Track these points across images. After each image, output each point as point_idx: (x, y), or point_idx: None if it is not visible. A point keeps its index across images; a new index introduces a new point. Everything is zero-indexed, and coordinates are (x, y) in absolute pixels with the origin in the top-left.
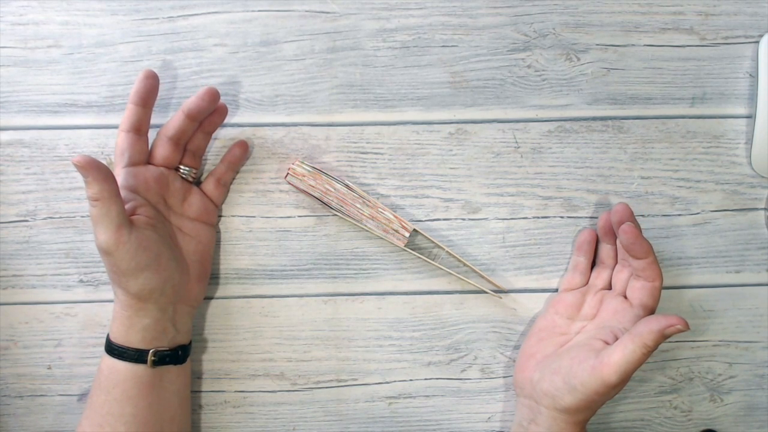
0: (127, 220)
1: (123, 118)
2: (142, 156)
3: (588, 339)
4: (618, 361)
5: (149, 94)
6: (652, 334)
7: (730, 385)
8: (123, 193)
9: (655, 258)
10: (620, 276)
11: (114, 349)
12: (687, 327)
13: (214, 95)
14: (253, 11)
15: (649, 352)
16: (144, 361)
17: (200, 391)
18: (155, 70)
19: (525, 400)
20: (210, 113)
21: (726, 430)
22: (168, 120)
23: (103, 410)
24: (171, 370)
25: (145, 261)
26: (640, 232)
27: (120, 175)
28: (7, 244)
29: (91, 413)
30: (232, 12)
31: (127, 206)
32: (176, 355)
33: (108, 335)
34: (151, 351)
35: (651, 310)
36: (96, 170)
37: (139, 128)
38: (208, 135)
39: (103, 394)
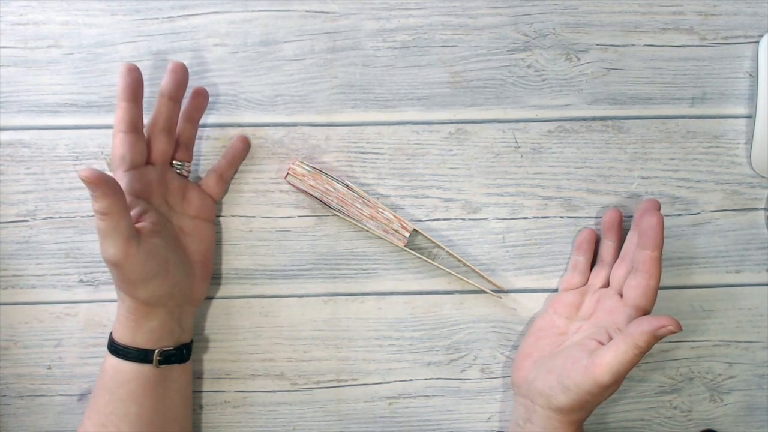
0: (135, 232)
1: (117, 119)
2: (142, 156)
3: (583, 339)
4: (610, 361)
5: (137, 87)
6: (644, 335)
7: (730, 385)
8: (127, 199)
9: (660, 255)
10: (618, 272)
11: (119, 350)
12: (679, 328)
13: (181, 67)
14: (253, 11)
15: (642, 353)
16: (150, 361)
17: (200, 391)
18: (155, 69)
19: (521, 399)
20: (192, 98)
21: (726, 430)
22: (152, 114)
23: (107, 410)
24: (175, 369)
25: (155, 269)
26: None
27: (122, 179)
28: (7, 244)
29: (93, 413)
30: (232, 12)
31: (132, 213)
32: (181, 354)
33: (111, 335)
34: (156, 351)
35: (644, 311)
36: (105, 185)
37: (136, 126)
38: (195, 123)
39: (107, 394)
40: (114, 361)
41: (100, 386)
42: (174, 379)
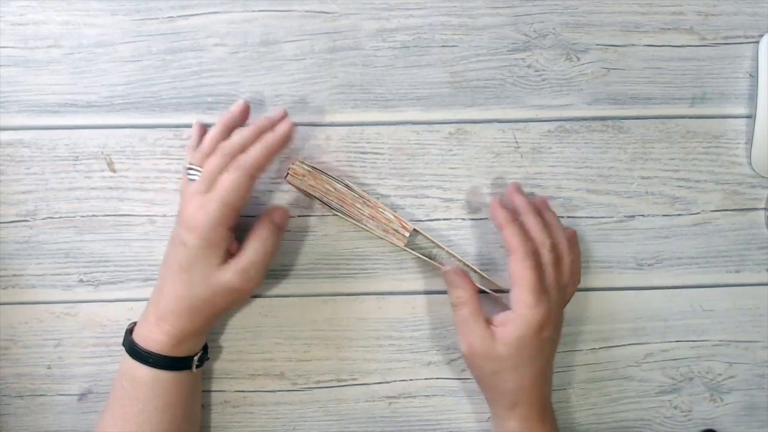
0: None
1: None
2: None
3: None
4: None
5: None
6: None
7: (730, 385)
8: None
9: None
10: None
11: (160, 361)
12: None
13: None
14: (253, 11)
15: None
16: (189, 367)
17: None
18: (155, 69)
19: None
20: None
21: (726, 430)
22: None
23: (139, 419)
24: (199, 370)
25: None
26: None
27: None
28: (7, 244)
29: (120, 422)
30: (232, 12)
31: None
32: (207, 353)
33: (149, 350)
34: (196, 356)
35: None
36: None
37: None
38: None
39: (139, 404)
40: (152, 372)
41: (132, 397)
42: (197, 379)
